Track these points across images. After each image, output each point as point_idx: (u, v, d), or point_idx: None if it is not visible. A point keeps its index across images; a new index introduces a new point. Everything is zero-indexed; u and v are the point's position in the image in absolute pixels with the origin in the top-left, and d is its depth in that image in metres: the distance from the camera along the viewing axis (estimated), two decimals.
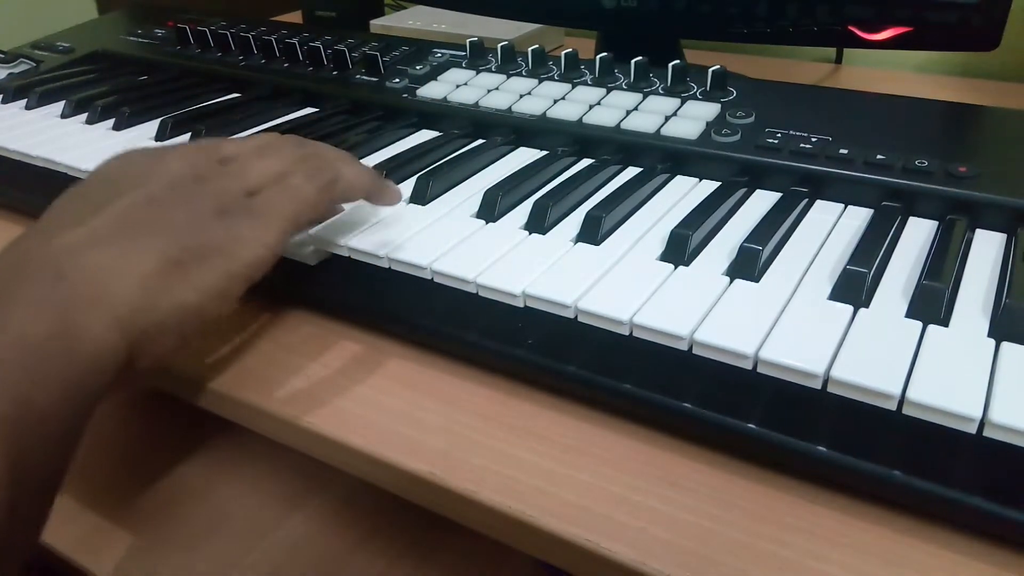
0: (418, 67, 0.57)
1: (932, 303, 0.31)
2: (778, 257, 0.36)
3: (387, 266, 0.37)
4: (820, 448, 0.27)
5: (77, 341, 0.25)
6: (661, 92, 0.50)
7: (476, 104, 0.52)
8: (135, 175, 0.31)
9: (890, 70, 0.79)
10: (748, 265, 0.34)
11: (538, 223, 0.39)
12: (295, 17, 0.96)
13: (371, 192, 0.38)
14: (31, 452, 0.23)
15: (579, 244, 0.37)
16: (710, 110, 0.47)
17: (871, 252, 0.34)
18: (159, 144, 0.34)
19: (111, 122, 0.55)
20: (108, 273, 0.26)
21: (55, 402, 0.24)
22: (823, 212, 0.40)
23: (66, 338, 0.24)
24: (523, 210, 0.41)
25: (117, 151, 0.34)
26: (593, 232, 0.38)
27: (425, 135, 0.52)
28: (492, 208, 0.41)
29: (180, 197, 0.30)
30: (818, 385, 0.28)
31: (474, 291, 0.35)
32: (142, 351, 0.27)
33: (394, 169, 0.45)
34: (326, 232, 0.39)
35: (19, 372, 0.23)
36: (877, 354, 0.29)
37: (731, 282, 0.34)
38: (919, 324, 0.30)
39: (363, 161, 0.44)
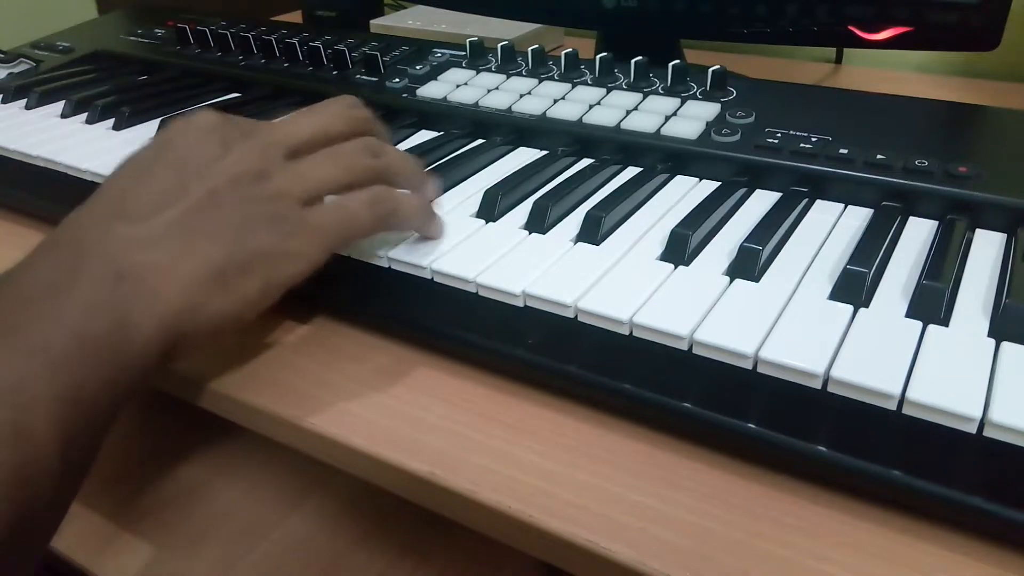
0: (418, 67, 0.57)
1: (932, 303, 0.31)
2: (778, 257, 0.36)
3: (387, 266, 0.37)
4: (820, 448, 0.27)
5: (128, 340, 0.27)
6: (661, 92, 0.50)
7: (476, 104, 0.52)
8: (201, 161, 0.32)
9: (890, 70, 0.79)
10: (748, 265, 0.34)
11: (538, 223, 0.39)
12: (295, 17, 0.96)
13: (422, 227, 0.37)
14: (78, 435, 0.26)
15: (579, 244, 0.37)
16: (710, 110, 0.47)
17: (871, 252, 0.34)
18: (228, 119, 0.34)
19: (111, 122, 0.55)
20: (161, 276, 0.28)
21: (103, 390, 0.26)
22: (823, 212, 0.40)
23: (120, 335, 0.27)
24: (523, 210, 0.41)
25: (123, 150, 0.34)
26: (593, 232, 0.38)
27: (425, 135, 0.52)
28: (492, 208, 0.41)
29: (239, 197, 0.31)
30: (818, 385, 0.28)
31: (474, 291, 0.35)
32: (178, 350, 0.29)
33: None
34: None
35: (75, 364, 0.25)
36: (877, 354, 0.29)
37: (731, 282, 0.34)
38: (919, 324, 0.30)
39: None
